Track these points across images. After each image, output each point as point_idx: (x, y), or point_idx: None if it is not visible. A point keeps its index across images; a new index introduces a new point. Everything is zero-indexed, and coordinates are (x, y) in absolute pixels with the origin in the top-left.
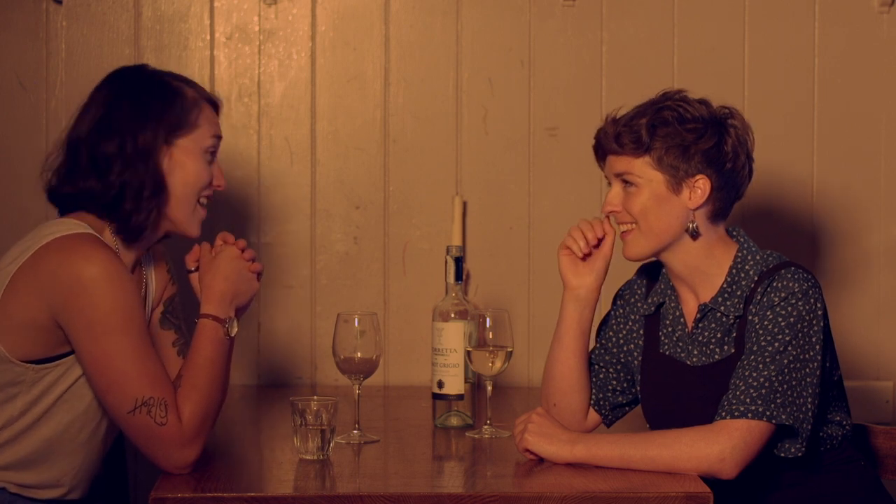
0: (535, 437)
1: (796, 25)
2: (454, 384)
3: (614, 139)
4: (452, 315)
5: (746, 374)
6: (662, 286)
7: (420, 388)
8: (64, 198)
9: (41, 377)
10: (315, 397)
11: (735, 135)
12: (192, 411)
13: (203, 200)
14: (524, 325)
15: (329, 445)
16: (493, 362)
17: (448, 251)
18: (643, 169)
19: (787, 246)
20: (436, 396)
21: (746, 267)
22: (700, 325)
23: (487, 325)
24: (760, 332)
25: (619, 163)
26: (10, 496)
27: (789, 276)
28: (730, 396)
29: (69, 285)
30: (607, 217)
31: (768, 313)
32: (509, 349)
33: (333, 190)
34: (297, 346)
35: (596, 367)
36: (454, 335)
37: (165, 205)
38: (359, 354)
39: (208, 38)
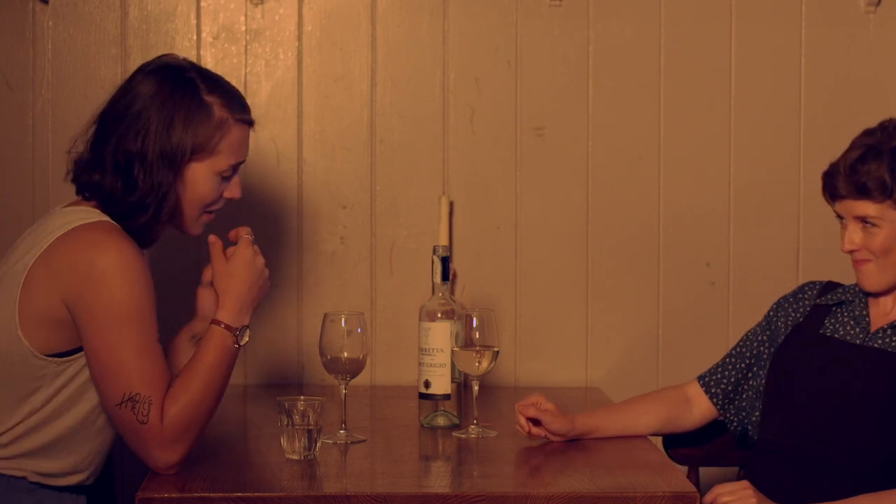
0: None
1: (783, 25)
2: (441, 384)
3: (857, 189)
4: (439, 315)
5: None
6: (857, 288)
7: (407, 387)
8: (84, 184)
9: (62, 370)
10: (302, 397)
11: None
12: (176, 414)
13: (207, 216)
14: (511, 324)
15: (316, 445)
16: (479, 362)
17: (435, 251)
18: (885, 211)
19: (775, 246)
20: (422, 396)
21: None
22: (890, 329)
23: (474, 324)
24: None
25: (859, 207)
26: (31, 485)
27: None
28: None
29: (82, 273)
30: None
31: None
32: (496, 349)
33: (320, 190)
34: (283, 345)
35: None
36: (441, 335)
37: (174, 217)
38: (345, 354)
39: (195, 38)
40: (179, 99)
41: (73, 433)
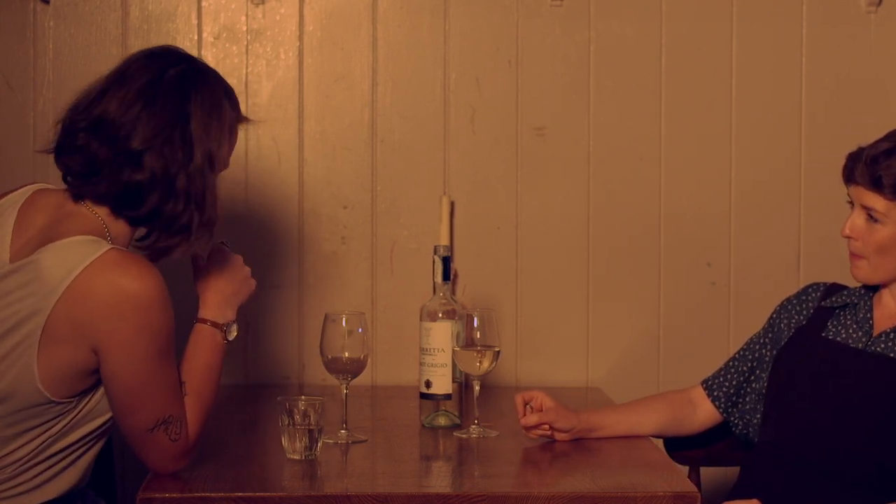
0: None
1: (784, 25)
2: (442, 384)
3: (872, 180)
4: (440, 315)
5: None
6: (862, 291)
7: (408, 387)
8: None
9: (79, 402)
10: (302, 397)
11: None
12: (194, 421)
13: None
14: (512, 324)
15: (317, 445)
16: (480, 362)
17: (436, 251)
18: (892, 211)
19: (776, 246)
20: (423, 396)
21: None
22: (893, 333)
23: (475, 324)
24: None
25: (869, 198)
26: None
27: None
28: None
29: (111, 320)
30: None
31: None
32: (497, 349)
33: (321, 190)
34: (284, 345)
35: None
36: (442, 335)
37: None
38: (346, 354)
39: (196, 37)
40: (218, 113)
41: (77, 450)
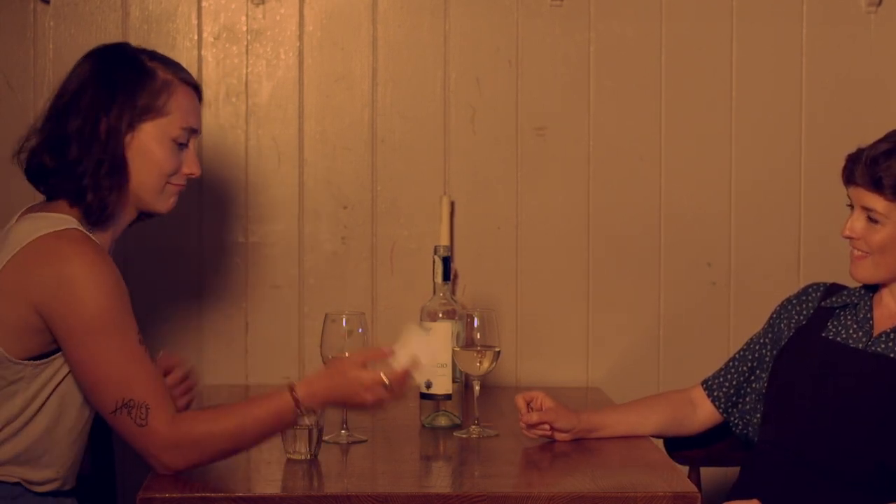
0: None
1: (784, 25)
2: (442, 384)
3: (872, 182)
4: (440, 315)
5: None
6: (862, 291)
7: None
8: (35, 173)
9: (39, 373)
10: None
11: None
12: (190, 428)
13: (173, 187)
14: (512, 324)
15: (317, 445)
16: (480, 362)
17: (436, 251)
18: (892, 211)
19: (776, 245)
20: (423, 396)
21: None
22: (893, 333)
23: (475, 324)
24: None
25: (869, 199)
26: (10, 486)
27: None
28: None
29: (52, 287)
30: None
31: None
32: (497, 349)
33: (321, 190)
34: (284, 345)
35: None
36: (442, 335)
37: (126, 186)
38: (347, 354)
39: (196, 37)
40: (120, 69)
41: (51, 437)
